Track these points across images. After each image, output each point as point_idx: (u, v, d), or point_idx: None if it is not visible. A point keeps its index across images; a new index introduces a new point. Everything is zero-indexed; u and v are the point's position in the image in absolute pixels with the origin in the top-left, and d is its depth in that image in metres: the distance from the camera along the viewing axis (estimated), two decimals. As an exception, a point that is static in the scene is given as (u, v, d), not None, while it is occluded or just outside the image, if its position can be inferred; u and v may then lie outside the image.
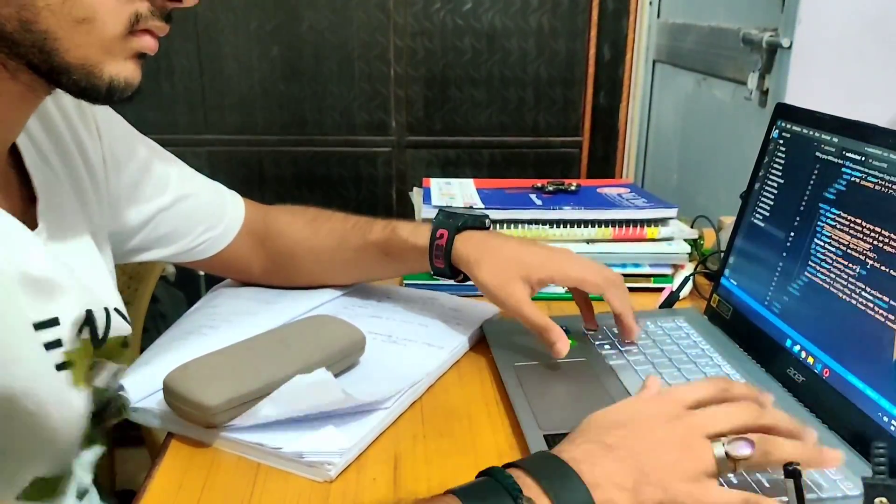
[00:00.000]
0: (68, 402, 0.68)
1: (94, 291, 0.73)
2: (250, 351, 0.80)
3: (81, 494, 0.75)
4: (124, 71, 0.64)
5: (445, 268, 0.93)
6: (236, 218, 1.00)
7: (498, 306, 0.92)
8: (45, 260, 0.67)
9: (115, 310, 0.74)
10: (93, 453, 0.77)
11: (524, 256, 0.91)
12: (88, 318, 0.70)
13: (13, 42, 0.59)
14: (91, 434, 0.74)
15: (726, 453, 0.58)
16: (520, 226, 1.14)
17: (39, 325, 0.65)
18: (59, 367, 0.67)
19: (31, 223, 0.69)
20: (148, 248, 0.93)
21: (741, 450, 0.58)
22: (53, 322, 0.66)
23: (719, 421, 0.61)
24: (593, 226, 1.14)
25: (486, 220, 0.98)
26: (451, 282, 0.96)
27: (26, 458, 0.66)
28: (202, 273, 1.27)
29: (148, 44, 0.65)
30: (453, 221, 0.94)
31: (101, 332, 0.72)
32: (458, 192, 1.23)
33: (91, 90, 0.63)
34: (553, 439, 0.71)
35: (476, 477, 0.58)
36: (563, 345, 0.85)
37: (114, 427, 0.79)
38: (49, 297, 0.66)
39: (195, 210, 0.95)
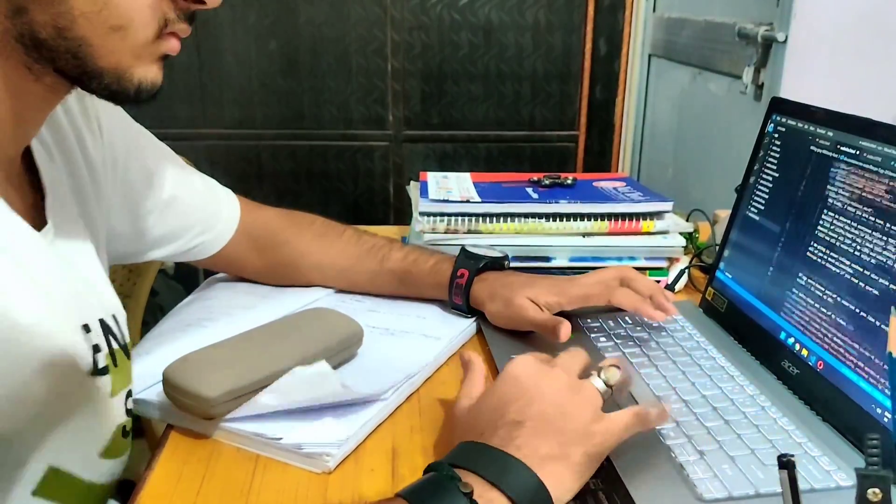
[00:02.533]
0: (103, 408, 0.69)
1: (103, 297, 0.73)
2: (249, 343, 0.81)
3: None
4: (151, 73, 0.65)
5: (463, 304, 0.97)
6: (232, 220, 0.99)
7: (512, 328, 0.94)
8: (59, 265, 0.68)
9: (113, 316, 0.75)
10: (119, 463, 0.77)
11: (532, 283, 0.94)
12: (105, 326, 0.71)
13: (46, 48, 0.60)
14: (116, 445, 0.74)
15: (604, 382, 0.67)
16: (516, 219, 1.14)
17: (87, 327, 0.66)
18: (102, 370, 0.68)
19: (40, 223, 0.69)
20: (143, 251, 0.93)
21: (614, 375, 0.67)
22: (86, 328, 0.67)
23: (578, 361, 0.69)
24: (589, 219, 1.15)
25: (506, 262, 1.01)
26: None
27: (45, 447, 0.66)
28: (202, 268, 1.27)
29: (174, 46, 0.66)
30: (474, 263, 0.98)
31: (121, 339, 0.73)
32: (455, 186, 1.23)
33: (121, 93, 0.64)
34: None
35: (423, 473, 0.60)
36: (565, 328, 0.87)
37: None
38: (86, 301, 0.68)
39: (191, 212, 0.95)
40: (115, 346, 0.72)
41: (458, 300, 0.97)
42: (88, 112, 0.81)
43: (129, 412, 0.75)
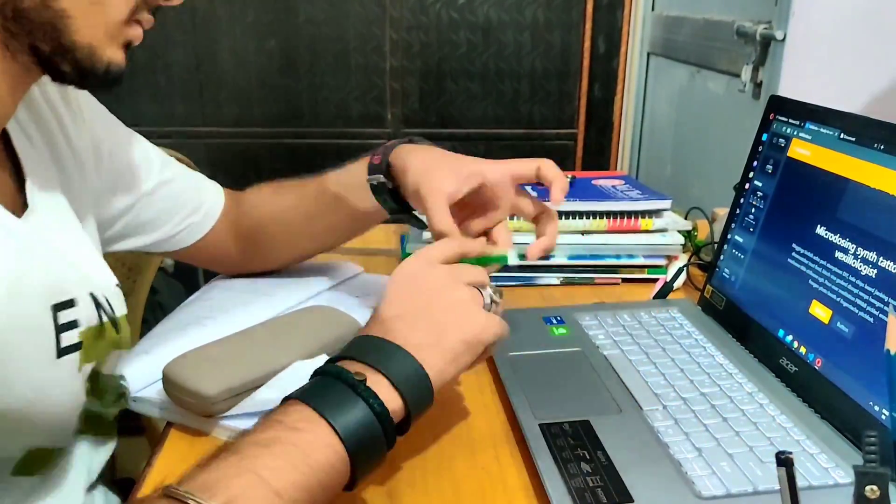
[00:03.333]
0: (70, 386, 0.69)
1: (91, 275, 0.74)
2: (248, 340, 0.81)
3: (90, 488, 0.76)
4: (117, 57, 0.67)
5: (380, 164, 0.89)
6: (216, 203, 1.00)
7: (416, 203, 0.87)
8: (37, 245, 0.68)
9: (117, 285, 0.76)
10: (106, 450, 0.77)
11: (458, 157, 0.88)
12: (95, 301, 0.72)
13: (27, 19, 0.62)
14: (90, 414, 0.74)
15: (490, 296, 0.72)
16: (515, 217, 1.14)
17: (59, 306, 0.67)
18: (71, 348, 0.68)
19: (22, 206, 0.70)
20: (129, 236, 0.93)
21: (497, 296, 0.73)
22: (70, 304, 0.68)
23: (471, 272, 0.72)
24: (588, 217, 1.15)
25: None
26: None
27: (19, 432, 0.67)
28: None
29: (138, 33, 0.69)
30: (392, 144, 0.91)
31: (110, 313, 0.74)
32: (453, 185, 1.23)
33: (91, 72, 0.66)
34: (549, 428, 0.72)
35: (311, 377, 0.63)
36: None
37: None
38: (62, 277, 0.68)
39: (176, 196, 0.95)
40: (104, 319, 0.73)
41: (377, 159, 0.90)
42: (71, 102, 0.82)
43: (106, 385, 0.76)
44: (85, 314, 0.70)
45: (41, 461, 0.70)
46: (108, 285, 0.76)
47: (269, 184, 1.04)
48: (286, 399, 0.60)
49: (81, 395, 0.72)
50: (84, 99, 0.85)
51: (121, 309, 0.77)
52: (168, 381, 0.74)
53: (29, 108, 0.76)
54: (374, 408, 0.59)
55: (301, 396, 0.59)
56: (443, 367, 0.65)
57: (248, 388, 0.73)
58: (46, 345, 0.66)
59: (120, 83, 0.69)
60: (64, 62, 0.65)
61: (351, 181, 0.93)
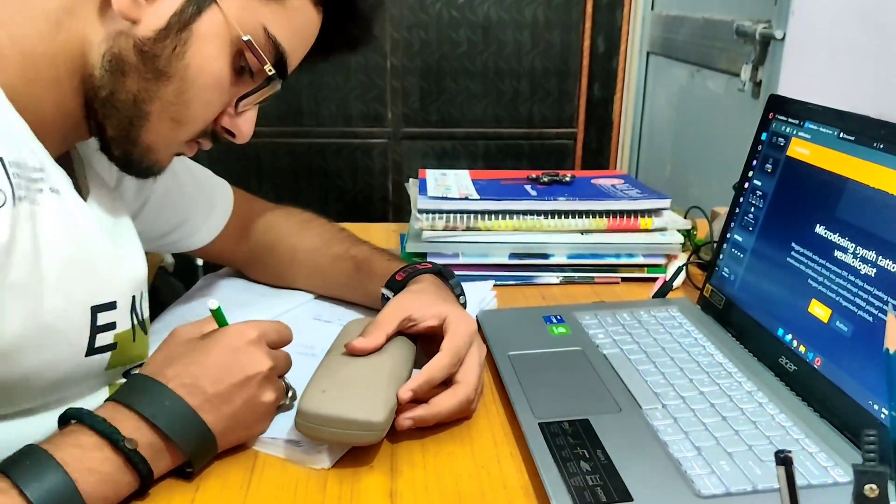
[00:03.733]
0: (94, 380, 0.71)
1: (136, 275, 0.75)
2: (351, 363, 0.75)
3: None
4: (164, 162, 0.73)
5: (401, 281, 0.90)
6: (226, 207, 1.01)
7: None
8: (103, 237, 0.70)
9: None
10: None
11: (423, 300, 0.83)
12: (133, 304, 0.73)
13: (114, 108, 0.67)
14: None
15: (287, 388, 0.74)
16: (515, 216, 1.14)
17: (98, 308, 0.68)
18: (104, 349, 0.69)
19: (83, 194, 0.72)
20: (142, 238, 0.93)
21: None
22: (111, 305, 0.69)
23: (276, 343, 0.73)
24: (587, 216, 1.15)
25: (458, 287, 0.93)
26: None
27: (45, 425, 0.67)
28: (200, 263, 1.27)
29: (192, 151, 0.74)
30: (422, 267, 0.91)
31: (141, 316, 0.75)
32: (453, 184, 1.23)
33: (136, 165, 0.71)
34: (548, 427, 0.72)
35: (59, 426, 0.63)
36: (359, 343, 0.76)
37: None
38: (109, 276, 0.69)
39: (188, 198, 0.96)
40: (135, 322, 0.74)
41: (389, 293, 0.89)
42: None
43: None
44: (122, 317, 0.71)
45: None
46: (144, 285, 0.76)
47: (301, 213, 1.06)
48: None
49: (101, 396, 0.72)
50: None
51: (146, 311, 0.77)
52: (319, 418, 0.68)
53: None
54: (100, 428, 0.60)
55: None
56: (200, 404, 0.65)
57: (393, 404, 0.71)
58: (79, 342, 0.67)
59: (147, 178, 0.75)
60: (118, 148, 0.69)
61: (373, 273, 0.94)
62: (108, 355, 0.70)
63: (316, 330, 0.91)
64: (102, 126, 0.68)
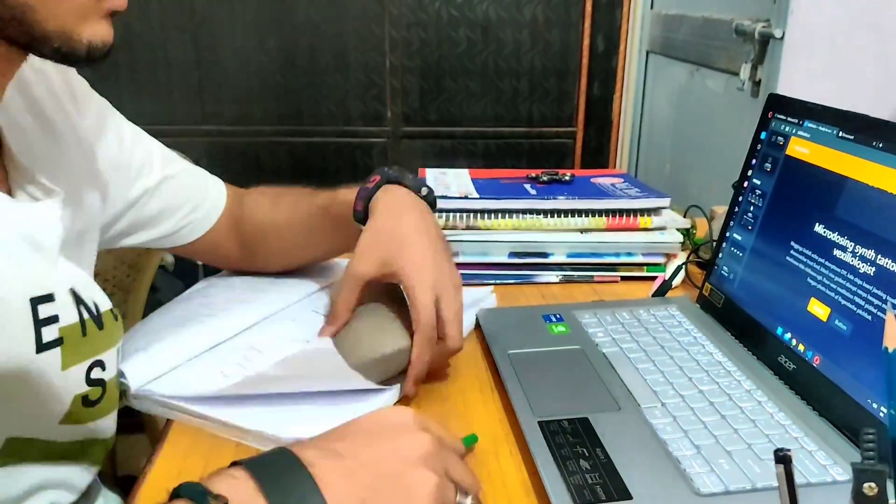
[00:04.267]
0: (52, 382, 0.67)
1: (70, 269, 0.71)
2: (370, 315, 0.84)
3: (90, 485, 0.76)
4: (100, 32, 0.65)
5: (362, 212, 0.88)
6: (219, 200, 1.00)
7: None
8: (48, 228, 0.67)
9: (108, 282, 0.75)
10: (86, 429, 0.76)
11: (375, 253, 0.82)
12: (76, 296, 0.69)
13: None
14: (77, 413, 0.71)
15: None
16: (514, 215, 1.14)
17: (37, 300, 0.65)
18: (51, 344, 0.66)
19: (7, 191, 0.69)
20: (133, 232, 0.93)
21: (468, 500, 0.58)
22: (49, 298, 0.66)
23: (458, 465, 0.60)
24: (587, 215, 1.15)
25: (431, 194, 0.91)
26: None
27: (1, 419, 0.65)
28: (200, 262, 1.27)
29: (119, 2, 0.66)
30: (393, 174, 0.90)
31: (93, 309, 0.71)
32: (453, 183, 1.24)
33: (71, 55, 0.64)
34: (548, 426, 0.72)
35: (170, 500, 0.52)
36: (327, 330, 0.83)
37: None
38: (46, 269, 0.66)
39: (179, 191, 0.95)
40: (85, 315, 0.70)
41: (359, 206, 0.88)
42: (75, 92, 0.82)
43: (96, 382, 0.72)
44: (65, 310, 0.68)
45: (21, 448, 0.68)
46: (87, 280, 0.73)
47: (269, 190, 1.04)
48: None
49: (69, 391, 0.69)
50: (87, 92, 0.85)
51: (103, 304, 0.73)
52: (363, 356, 0.78)
53: (25, 98, 0.76)
54: None
55: None
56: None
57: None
58: (27, 337, 0.64)
59: (108, 56, 0.66)
60: (43, 49, 0.63)
61: (340, 212, 0.92)
62: (58, 352, 0.67)
63: (315, 323, 0.91)
64: (14, 40, 0.63)
